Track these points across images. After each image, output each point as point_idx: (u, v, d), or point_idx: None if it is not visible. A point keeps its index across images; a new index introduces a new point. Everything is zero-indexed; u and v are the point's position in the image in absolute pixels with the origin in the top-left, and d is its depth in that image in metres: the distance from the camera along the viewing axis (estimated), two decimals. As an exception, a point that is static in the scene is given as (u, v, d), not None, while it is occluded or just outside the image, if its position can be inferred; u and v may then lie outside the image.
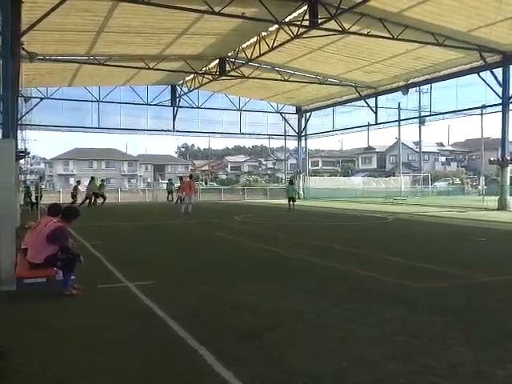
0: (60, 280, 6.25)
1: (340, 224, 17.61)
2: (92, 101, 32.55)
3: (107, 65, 24.95)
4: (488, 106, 25.61)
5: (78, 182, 29.88)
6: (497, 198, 23.84)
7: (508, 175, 23.16)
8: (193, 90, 32.18)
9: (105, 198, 28.36)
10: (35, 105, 30.18)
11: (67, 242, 6.47)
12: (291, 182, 25.66)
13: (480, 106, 26.47)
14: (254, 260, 9.46)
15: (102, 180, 33.67)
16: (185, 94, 33.69)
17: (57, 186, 67.71)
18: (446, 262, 8.93)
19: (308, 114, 38.35)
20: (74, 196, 27.70)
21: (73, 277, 6.33)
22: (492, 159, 25.19)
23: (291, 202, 23.34)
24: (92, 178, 28.77)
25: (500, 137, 23.94)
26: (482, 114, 32.18)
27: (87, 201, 27.03)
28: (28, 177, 33.75)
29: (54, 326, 5.14)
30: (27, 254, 6.49)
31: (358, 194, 40.36)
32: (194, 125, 36.15)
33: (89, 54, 24.12)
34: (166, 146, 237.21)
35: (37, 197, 19.83)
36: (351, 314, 5.44)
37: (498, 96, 23.35)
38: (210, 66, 27.75)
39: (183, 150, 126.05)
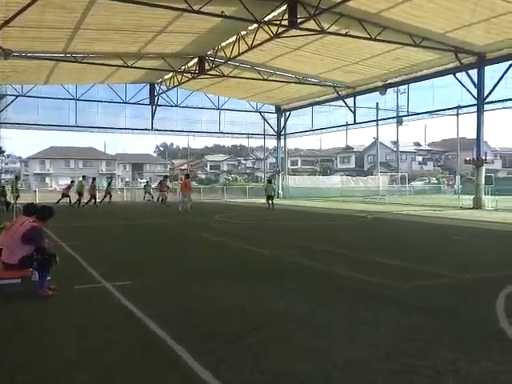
0: (36, 281, 6.13)
1: (320, 223, 17.68)
2: (69, 99, 32.08)
3: (84, 62, 24.60)
4: (463, 107, 26.04)
5: (72, 182, 29.90)
6: (472, 197, 24.25)
7: (483, 174, 23.58)
8: (171, 88, 31.99)
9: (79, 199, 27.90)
10: (10, 102, 29.68)
11: (43, 242, 6.35)
12: (270, 181, 26.24)
13: (456, 106, 26.89)
14: (241, 260, 9.40)
15: (110, 178, 33.65)
16: (163, 92, 33.46)
17: (33, 185, 66.56)
18: (426, 260, 9.04)
19: (287, 114, 38.47)
20: (66, 195, 27.76)
21: (49, 277, 6.22)
22: (467, 159, 25.60)
23: (270, 201, 23.81)
24: (83, 177, 29.18)
25: (475, 137, 24.36)
26: (457, 115, 32.70)
27: (93, 200, 27.01)
28: (3, 176, 33.17)
29: (34, 326, 5.06)
30: (2, 254, 6.34)
31: (337, 193, 40.63)
32: (172, 123, 35.99)
33: (65, 52, 23.74)
34: (144, 144, 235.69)
35: (13, 196, 19.60)
36: (339, 315, 5.47)
37: (473, 97, 23.73)
38: (189, 65, 27.62)
39: (162, 149, 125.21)
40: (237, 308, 5.70)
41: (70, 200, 27.32)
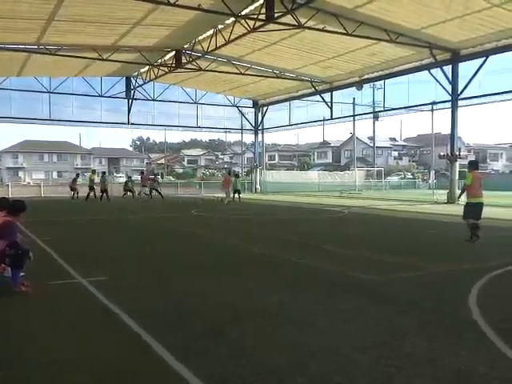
0: (8, 277, 6.02)
1: (299, 217, 17.76)
2: (43, 92, 31.46)
3: (58, 55, 24.14)
4: (438, 103, 26.40)
5: (77, 175, 30.35)
6: (446, 191, 24.64)
7: (457, 169, 23.99)
8: (148, 82, 31.63)
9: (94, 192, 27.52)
10: (-18, 95, 28.96)
11: (15, 237, 6.22)
12: (237, 176, 27.44)
13: (431, 102, 27.26)
14: (223, 255, 9.41)
15: (129, 177, 33.38)
16: (140, 86, 33.06)
17: (5, 179, 65.18)
18: (403, 253, 9.19)
19: (265, 108, 38.47)
20: (73, 189, 27.98)
21: (22, 273, 6.11)
22: (442, 154, 26.03)
23: (236, 195, 25.21)
24: (93, 172, 29.47)
25: (449, 132, 24.75)
26: (432, 110, 33.09)
27: (104, 194, 26.88)
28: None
29: (7, 324, 4.96)
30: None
31: (314, 188, 40.86)
32: (149, 118, 35.63)
33: (39, 43, 23.27)
34: (120, 138, 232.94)
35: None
36: (316, 307, 5.51)
37: (448, 93, 24.10)
38: (165, 58, 27.34)
39: (138, 143, 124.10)
40: (225, 304, 5.67)
41: (75, 194, 27.71)
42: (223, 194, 25.32)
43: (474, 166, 10.97)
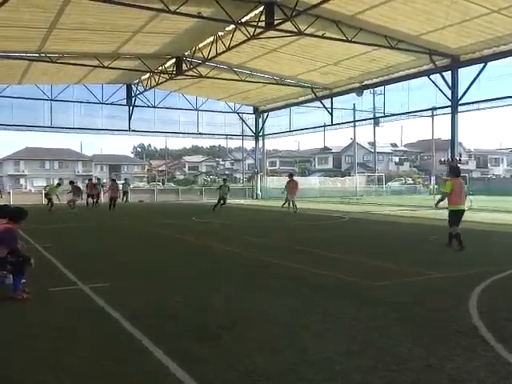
0: (10, 284, 6.04)
1: (300, 224, 17.74)
2: (44, 99, 31.61)
3: (60, 62, 24.26)
4: (438, 108, 26.40)
5: (95, 182, 29.89)
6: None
7: (457, 175, 23.93)
8: (149, 89, 31.73)
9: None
10: (-17, 103, 29.06)
11: (17, 244, 6.25)
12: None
13: (431, 107, 27.27)
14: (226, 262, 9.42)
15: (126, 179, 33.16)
16: (140, 93, 33.18)
17: (7, 186, 65.24)
18: (403, 258, 9.19)
19: (265, 115, 38.53)
20: (90, 195, 27.95)
21: (23, 280, 6.13)
22: (442, 159, 26.05)
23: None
24: (113, 180, 29.24)
25: (450, 138, 24.76)
26: (432, 116, 33.13)
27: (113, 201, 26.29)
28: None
29: (4, 331, 4.97)
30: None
31: (315, 193, 40.84)
32: (150, 124, 35.69)
33: (40, 52, 23.38)
34: (121, 145, 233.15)
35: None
36: (317, 314, 5.51)
37: (448, 98, 24.11)
38: (166, 65, 27.43)
39: (139, 150, 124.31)
40: (221, 308, 5.70)
41: (95, 200, 27.72)
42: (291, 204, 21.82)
43: (454, 172, 10.43)
